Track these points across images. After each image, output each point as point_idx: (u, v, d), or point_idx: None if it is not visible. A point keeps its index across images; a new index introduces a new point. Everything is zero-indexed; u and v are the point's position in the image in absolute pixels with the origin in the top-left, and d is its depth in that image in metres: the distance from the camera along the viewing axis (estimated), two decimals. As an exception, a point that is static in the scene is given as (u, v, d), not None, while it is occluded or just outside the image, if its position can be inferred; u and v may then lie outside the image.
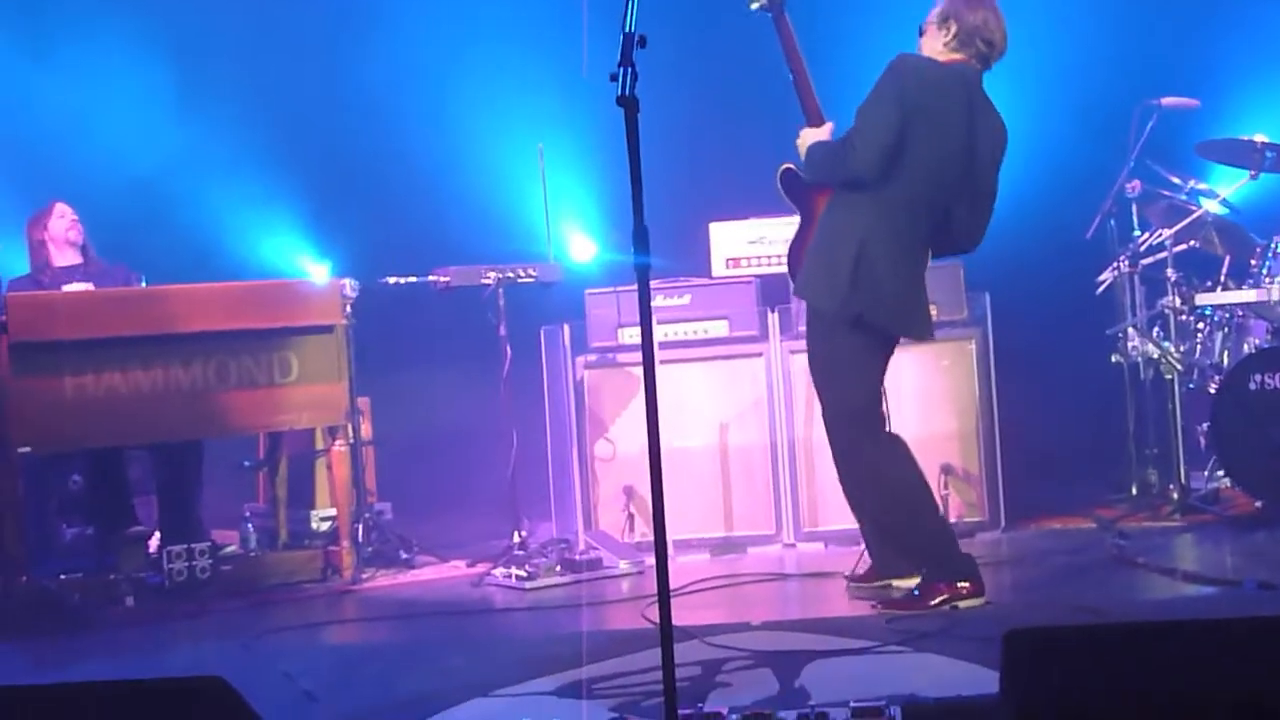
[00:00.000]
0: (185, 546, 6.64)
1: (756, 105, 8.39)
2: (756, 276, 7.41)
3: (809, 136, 5.63)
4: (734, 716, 3.70)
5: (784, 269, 7.31)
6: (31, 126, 8.72)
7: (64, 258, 7.36)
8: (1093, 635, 2.74)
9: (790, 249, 5.93)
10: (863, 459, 5.67)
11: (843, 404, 5.65)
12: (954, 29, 5.50)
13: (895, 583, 5.82)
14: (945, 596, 5.52)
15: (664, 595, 3.37)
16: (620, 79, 3.31)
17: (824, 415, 5.74)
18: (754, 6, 5.64)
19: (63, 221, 7.32)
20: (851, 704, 3.71)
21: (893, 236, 5.45)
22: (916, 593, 5.60)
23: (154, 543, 6.91)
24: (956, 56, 5.52)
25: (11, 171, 8.54)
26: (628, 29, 3.39)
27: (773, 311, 7.34)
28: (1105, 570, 6.19)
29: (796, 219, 7.33)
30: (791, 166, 5.76)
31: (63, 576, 6.58)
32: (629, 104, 3.31)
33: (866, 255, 5.42)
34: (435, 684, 4.83)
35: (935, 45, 5.56)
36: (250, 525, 7.39)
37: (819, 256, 5.57)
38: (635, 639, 5.18)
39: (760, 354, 7.29)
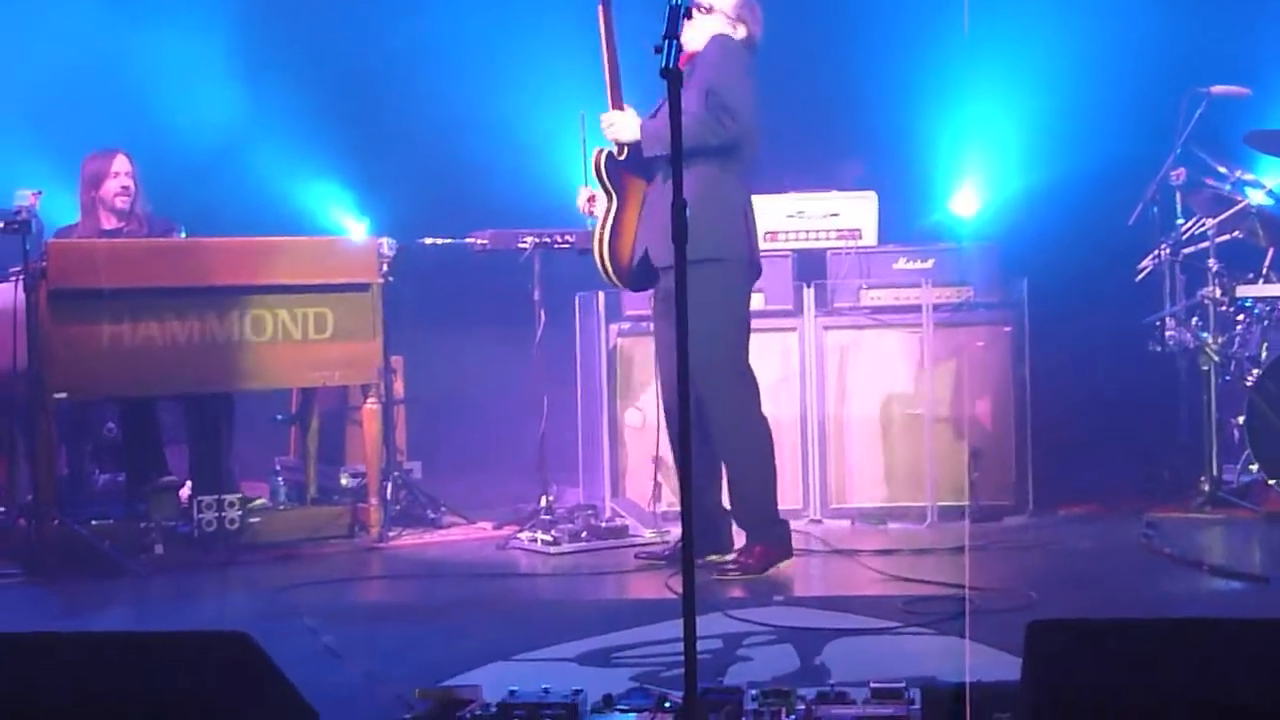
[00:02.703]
0: (215, 497, 6.68)
1: (794, 80, 8.37)
2: (793, 251, 7.39)
3: (623, 118, 5.89)
4: (753, 693, 3.69)
5: (822, 244, 7.39)
6: (89, 74, 8.73)
7: (111, 221, 7.35)
8: (1116, 630, 2.74)
9: (609, 231, 5.92)
10: (742, 404, 5.94)
11: (732, 349, 5.92)
12: (722, 17, 5.93)
13: (709, 558, 6.02)
14: (766, 559, 5.90)
15: (689, 569, 3.37)
16: (665, 51, 3.29)
17: (699, 371, 5.63)
18: (598, 10, 5.88)
19: (115, 183, 7.29)
20: (872, 684, 3.70)
21: (749, 188, 6.03)
22: (736, 562, 5.94)
23: (185, 492, 6.95)
24: (741, 33, 5.98)
25: (63, 117, 8.57)
26: (674, 1, 3.37)
27: (808, 286, 7.32)
28: (1131, 560, 6.16)
29: (832, 193, 7.40)
30: (609, 150, 5.93)
31: (94, 523, 6.62)
32: (673, 76, 3.29)
33: (747, 207, 5.96)
34: (456, 645, 4.86)
35: (719, 24, 5.90)
36: (280, 479, 7.43)
37: (705, 215, 5.61)
38: (658, 609, 5.19)
39: (794, 329, 7.28)
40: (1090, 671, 2.64)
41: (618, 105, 5.95)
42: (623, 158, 5.92)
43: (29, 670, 2.67)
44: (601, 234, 5.92)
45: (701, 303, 5.79)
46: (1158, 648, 2.65)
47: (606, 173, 5.93)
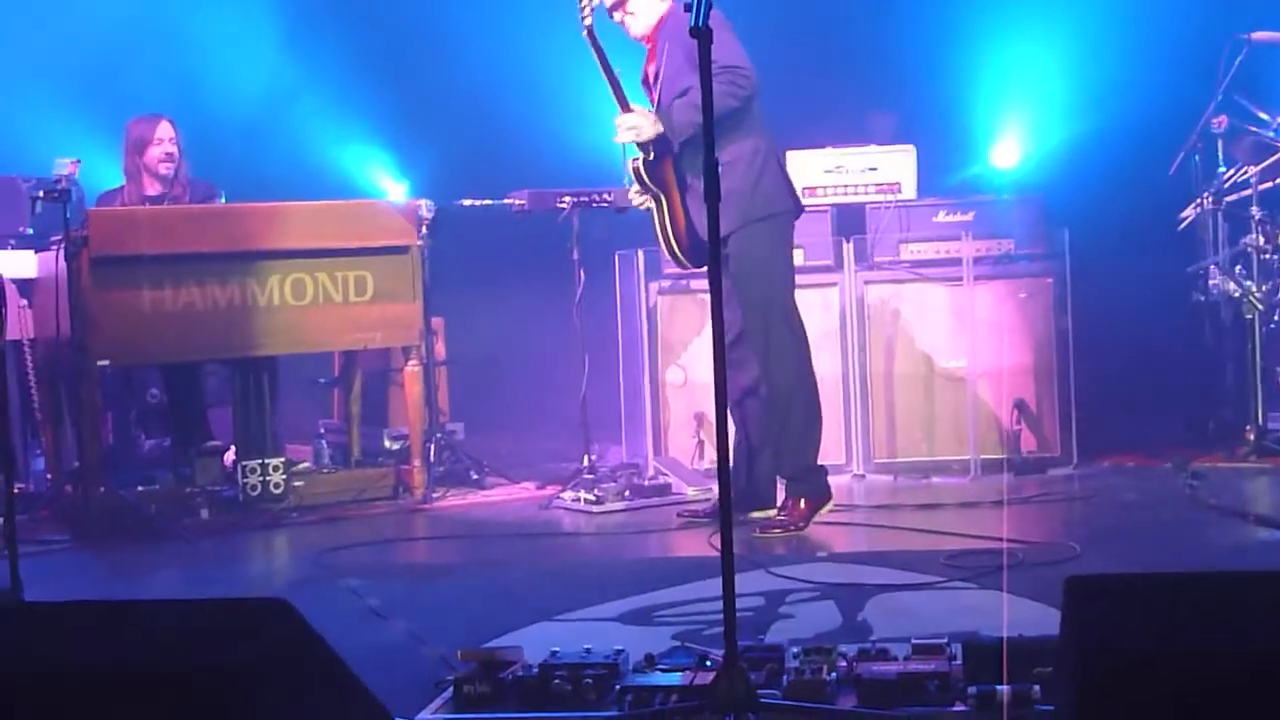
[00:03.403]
0: (260, 461, 6.73)
1: (830, 36, 8.33)
2: (832, 205, 7.35)
3: (640, 119, 5.95)
4: (795, 650, 3.70)
5: (861, 198, 7.37)
6: (132, 37, 8.76)
7: (154, 187, 7.37)
8: (1154, 584, 2.73)
9: (669, 223, 6.01)
10: (795, 355, 6.03)
11: (788, 301, 6.04)
12: None
13: (753, 514, 6.13)
14: (811, 509, 6.00)
15: (727, 527, 3.37)
16: (695, 9, 3.29)
17: (755, 324, 5.98)
18: (584, 33, 5.93)
19: (159, 149, 7.31)
20: (913, 640, 3.70)
21: (769, 133, 6.05)
22: (784, 516, 6.00)
23: (230, 456, 7.00)
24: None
25: (107, 82, 8.60)
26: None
27: (848, 241, 7.30)
28: (1176, 511, 6.13)
29: (871, 147, 7.37)
30: (639, 159, 6.01)
31: (140, 488, 6.69)
32: (703, 35, 3.28)
33: (777, 154, 6.07)
34: (500, 606, 4.89)
35: (652, 0, 6.06)
36: (324, 441, 7.46)
37: (747, 178, 5.91)
38: (701, 566, 5.19)
39: (835, 284, 7.26)
40: (1130, 626, 2.63)
41: (625, 108, 6.00)
42: (651, 159, 5.98)
43: (63, 639, 2.69)
44: (664, 229, 6.02)
45: (758, 258, 5.94)
46: (1198, 602, 2.64)
47: (649, 178, 6.00)
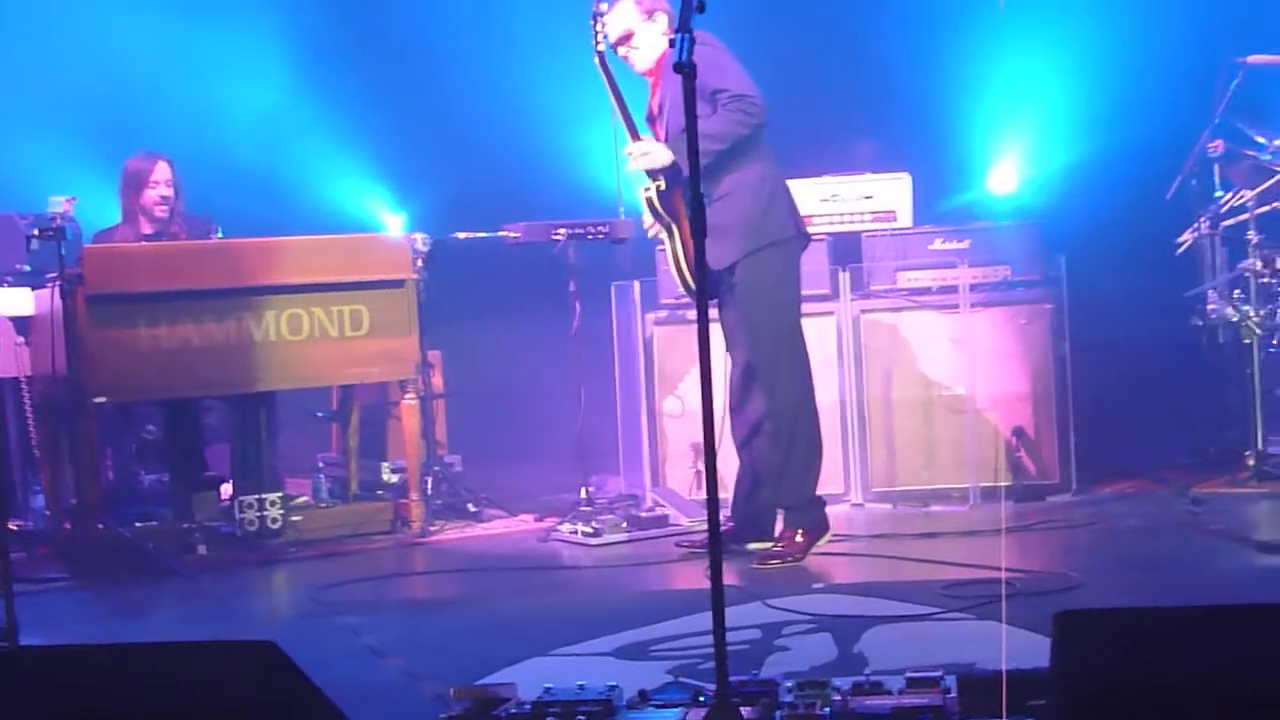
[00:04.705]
0: (257, 497, 6.72)
1: (826, 64, 8.33)
2: (828, 234, 7.35)
3: (651, 146, 5.96)
4: (789, 684, 3.68)
5: (856, 227, 7.37)
6: (130, 71, 8.78)
7: (150, 226, 7.36)
8: (1145, 617, 2.71)
9: (685, 258, 6.00)
10: (799, 385, 6.05)
11: (794, 329, 6.05)
12: (665, 17, 6.10)
13: (751, 546, 6.12)
14: (809, 541, 5.99)
15: (716, 561, 3.36)
16: (678, 45, 3.28)
17: (762, 353, 6.00)
18: (595, 59, 6.04)
19: (154, 193, 7.30)
20: (907, 674, 3.68)
21: (775, 160, 6.10)
22: (781, 547, 5.99)
23: (226, 489, 6.98)
24: (662, 23, 6.11)
25: (103, 120, 8.62)
26: (685, -6, 3.36)
27: (844, 270, 7.29)
28: (1178, 537, 6.11)
29: (865, 175, 7.38)
30: (651, 189, 6.01)
31: (138, 524, 6.68)
32: (687, 70, 3.27)
33: (784, 182, 6.10)
34: (497, 641, 4.87)
35: (655, 36, 6.08)
36: (322, 475, 7.47)
37: (755, 205, 5.93)
38: (699, 599, 5.10)
39: (831, 312, 7.24)
40: (1120, 660, 2.61)
41: (635, 136, 6.04)
42: (663, 189, 5.99)
43: (55, 685, 2.68)
44: (676, 259, 6.03)
45: (765, 286, 5.96)
46: (1188, 636, 2.62)
47: (662, 209, 6.02)
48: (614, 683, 3.71)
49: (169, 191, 7.31)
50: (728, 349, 6.19)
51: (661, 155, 5.94)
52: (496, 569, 6.27)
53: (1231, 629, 2.64)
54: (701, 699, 3.65)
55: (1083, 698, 2.54)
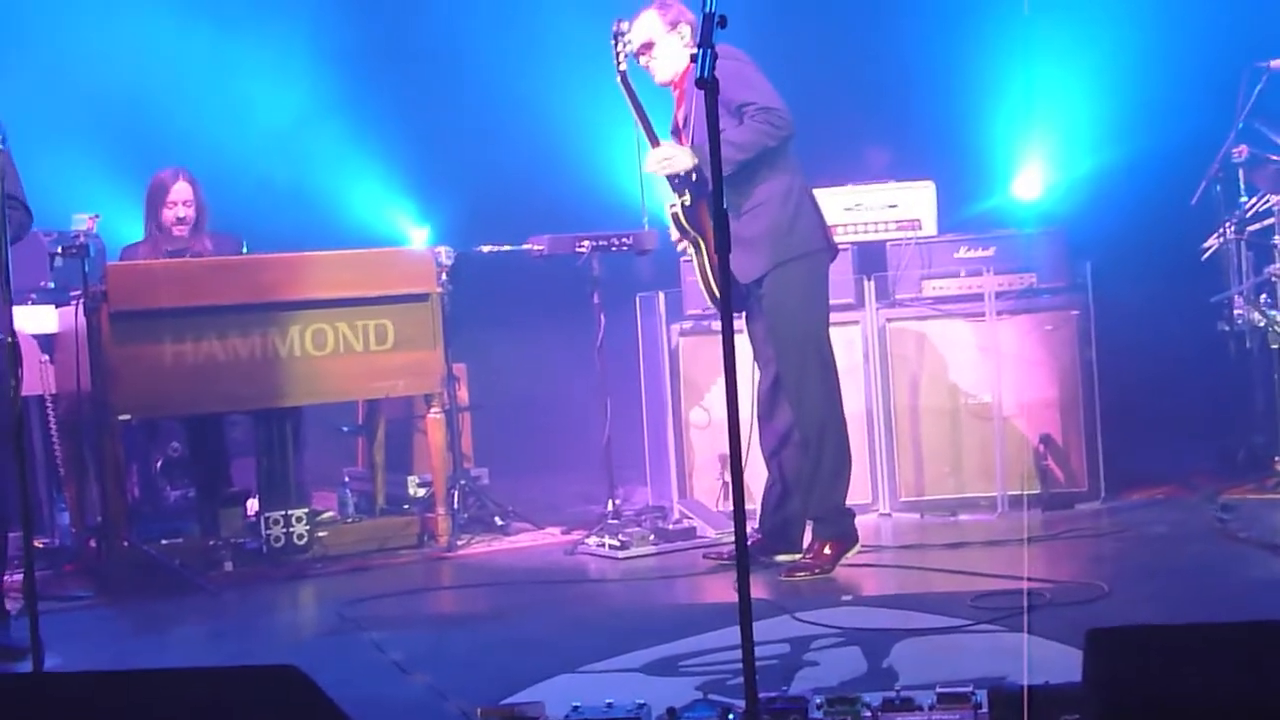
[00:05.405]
0: (283, 512, 6.72)
1: (848, 71, 8.30)
2: (853, 244, 7.32)
3: (675, 150, 5.99)
4: (818, 700, 3.65)
5: (881, 236, 7.35)
6: (149, 94, 8.80)
7: (172, 243, 7.36)
8: (1178, 635, 2.68)
9: (709, 267, 6.01)
10: (828, 395, 6.04)
11: (820, 340, 6.04)
12: (688, 29, 6.12)
13: (779, 557, 6.11)
14: (837, 553, 5.97)
15: (743, 574, 3.34)
16: (700, 60, 3.27)
17: (790, 365, 6.00)
18: (617, 78, 6.07)
19: (172, 213, 7.29)
20: (938, 689, 3.66)
21: (802, 172, 6.08)
22: (809, 559, 5.97)
23: (252, 504, 6.99)
24: (685, 34, 6.12)
25: (127, 136, 8.64)
26: (708, 9, 3.35)
27: (869, 279, 7.27)
28: (1207, 545, 6.06)
29: (889, 184, 7.35)
30: (677, 204, 6.01)
31: (164, 541, 6.68)
32: (709, 86, 3.26)
33: (810, 193, 6.09)
34: (523, 657, 4.86)
35: (676, 48, 6.09)
36: (349, 490, 7.47)
37: (783, 217, 5.94)
38: (728, 612, 5.07)
39: (856, 321, 7.22)
40: (1154, 678, 2.59)
41: (656, 144, 6.06)
42: (689, 204, 5.99)
43: (74, 710, 2.67)
44: (704, 272, 6.04)
45: (793, 299, 5.95)
46: (1219, 652, 2.59)
47: (688, 224, 6.03)
48: (643, 700, 3.69)
49: (187, 211, 7.29)
50: (755, 360, 6.18)
51: (683, 159, 5.93)
52: (523, 583, 6.26)
53: (1267, 646, 2.62)
54: (731, 716, 3.63)
55: (1115, 715, 2.51)
